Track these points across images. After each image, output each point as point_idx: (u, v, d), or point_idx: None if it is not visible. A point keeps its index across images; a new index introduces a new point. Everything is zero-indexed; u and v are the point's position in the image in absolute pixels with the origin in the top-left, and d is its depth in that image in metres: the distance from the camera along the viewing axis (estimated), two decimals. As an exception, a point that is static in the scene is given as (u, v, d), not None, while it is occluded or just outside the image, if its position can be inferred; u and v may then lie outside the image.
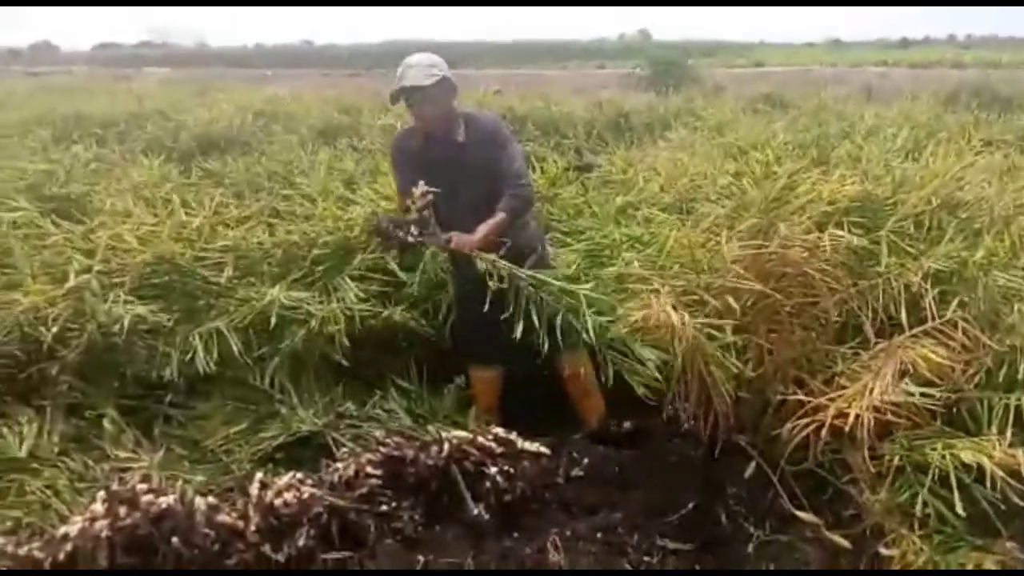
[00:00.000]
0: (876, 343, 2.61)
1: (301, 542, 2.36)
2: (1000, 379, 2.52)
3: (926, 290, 2.66)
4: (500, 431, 2.72)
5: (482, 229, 2.95)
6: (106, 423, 2.74)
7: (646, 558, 2.46)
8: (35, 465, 2.59)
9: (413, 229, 2.93)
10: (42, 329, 2.80)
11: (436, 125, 3.06)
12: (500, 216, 2.98)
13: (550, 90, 11.87)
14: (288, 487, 2.42)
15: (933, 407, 2.45)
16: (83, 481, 2.56)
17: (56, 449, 2.65)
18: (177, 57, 39.98)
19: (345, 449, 2.68)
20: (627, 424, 3.14)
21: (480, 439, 2.64)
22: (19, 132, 7.15)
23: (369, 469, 2.55)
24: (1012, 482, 2.23)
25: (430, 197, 2.89)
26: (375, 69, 31.31)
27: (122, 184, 4.44)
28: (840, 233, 2.70)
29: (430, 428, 2.76)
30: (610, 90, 13.50)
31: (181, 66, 33.39)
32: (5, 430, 2.68)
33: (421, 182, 2.91)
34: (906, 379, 2.44)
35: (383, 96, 12.16)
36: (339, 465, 2.57)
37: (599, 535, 2.55)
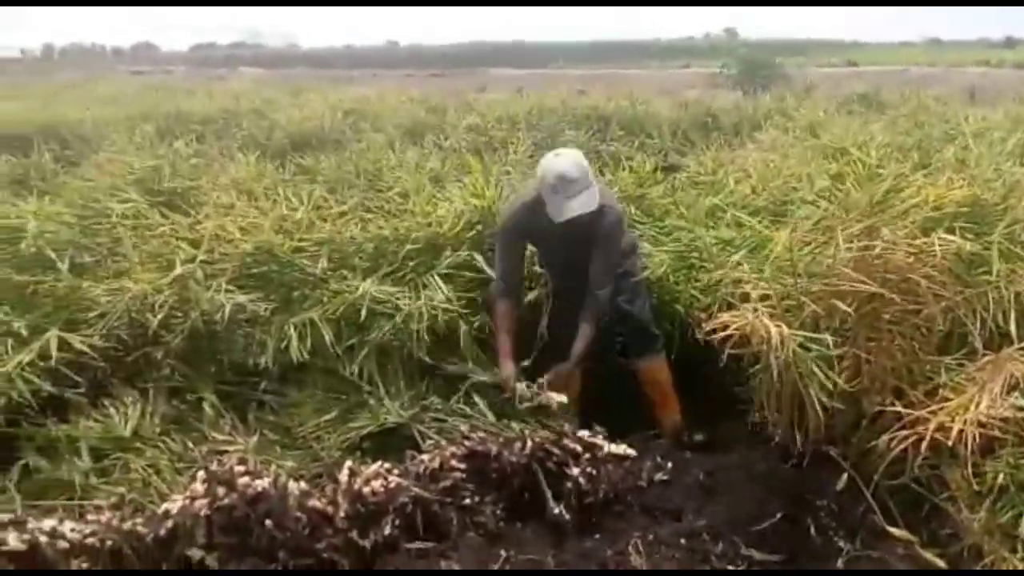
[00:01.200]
0: (983, 354, 2.49)
1: (387, 530, 2.40)
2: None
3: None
4: (586, 433, 2.71)
5: (577, 349, 3.04)
6: (205, 407, 2.87)
7: (730, 567, 2.41)
8: (138, 444, 2.73)
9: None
10: (148, 315, 2.95)
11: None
12: (586, 330, 3.05)
13: (635, 89, 11.74)
14: (376, 475, 2.47)
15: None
16: (182, 461, 2.69)
17: (158, 430, 2.79)
18: (269, 57, 41.50)
19: (431, 441, 2.72)
20: (710, 431, 3.09)
21: (566, 440, 2.63)
22: (126, 128, 7.54)
23: (454, 462, 2.58)
24: None
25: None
26: (459, 68, 31.71)
27: (221, 179, 4.64)
28: (950, 237, 2.58)
29: (513, 425, 2.78)
30: (697, 90, 13.25)
31: (272, 66, 34.58)
32: (112, 410, 2.83)
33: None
34: (1015, 393, 2.32)
35: (464, 95, 12.25)
36: (424, 457, 2.61)
37: (682, 541, 2.50)
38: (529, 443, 2.64)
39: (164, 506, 2.27)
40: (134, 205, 3.88)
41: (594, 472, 2.63)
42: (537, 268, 3.45)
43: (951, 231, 2.72)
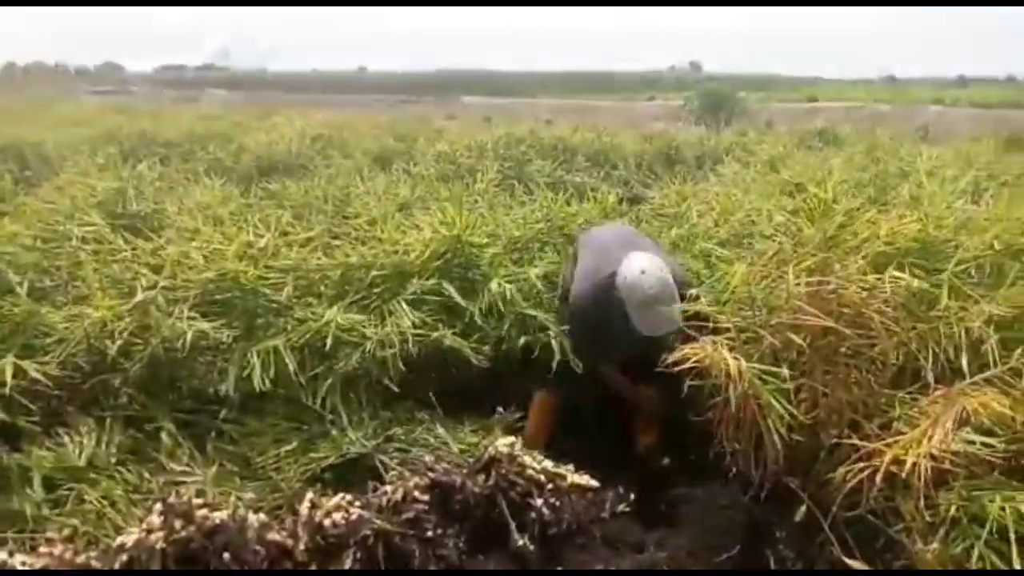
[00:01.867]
0: (935, 388, 2.56)
1: (348, 563, 2.38)
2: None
3: (988, 335, 2.60)
4: (549, 464, 2.72)
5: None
6: (163, 436, 2.82)
7: (692, 599, 2.43)
8: (93, 475, 2.66)
9: None
10: (107, 342, 2.90)
11: None
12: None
13: (600, 121, 11.93)
14: (337, 507, 2.45)
15: (993, 457, 2.39)
16: (138, 492, 2.63)
17: (114, 460, 2.73)
18: (237, 80, 41.26)
19: (394, 472, 2.71)
20: (671, 461, 3.12)
21: (529, 470, 2.64)
22: (89, 149, 7.43)
23: (416, 494, 2.56)
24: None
25: None
26: (428, 95, 31.89)
27: (186, 203, 4.60)
28: (901, 275, 2.66)
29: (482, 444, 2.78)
30: (661, 122, 13.49)
31: (240, 89, 34.43)
32: (67, 439, 2.77)
33: None
34: (966, 427, 2.39)
35: (433, 122, 12.30)
36: (388, 488, 2.59)
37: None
38: (493, 473, 2.64)
39: (119, 539, 2.22)
40: (96, 229, 3.83)
41: (557, 503, 2.64)
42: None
43: (902, 267, 2.80)
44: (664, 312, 2.84)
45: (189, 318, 3.01)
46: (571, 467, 2.78)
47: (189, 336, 2.92)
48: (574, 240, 3.67)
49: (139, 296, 2.99)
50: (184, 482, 2.60)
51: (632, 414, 3.25)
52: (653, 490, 2.92)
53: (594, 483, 2.73)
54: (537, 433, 3.17)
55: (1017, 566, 2.21)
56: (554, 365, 3.09)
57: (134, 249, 3.44)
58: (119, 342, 2.89)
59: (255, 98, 25.69)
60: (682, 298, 2.93)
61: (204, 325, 3.00)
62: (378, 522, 2.46)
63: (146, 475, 2.66)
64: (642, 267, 2.92)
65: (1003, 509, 2.27)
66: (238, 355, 3.01)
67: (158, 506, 2.27)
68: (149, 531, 2.20)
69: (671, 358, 2.57)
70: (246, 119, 11.63)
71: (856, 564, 2.50)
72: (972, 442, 2.35)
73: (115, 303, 3.00)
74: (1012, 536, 2.21)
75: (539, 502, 2.62)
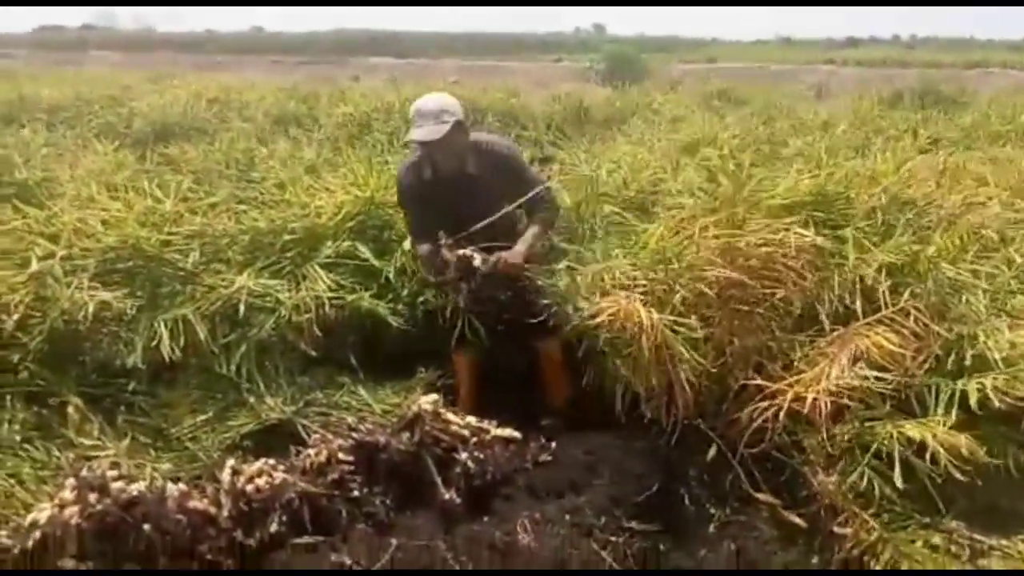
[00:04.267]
0: (832, 331, 2.73)
1: (273, 528, 2.37)
2: (948, 366, 2.66)
3: (880, 282, 2.78)
4: (472, 419, 2.76)
5: (526, 241, 3.05)
6: (70, 410, 2.70)
7: (612, 539, 2.53)
8: (-3, 454, 2.55)
9: (464, 284, 2.95)
10: (3, 316, 2.75)
11: (448, 165, 3.04)
12: (536, 228, 3.10)
13: (508, 82, 11.89)
14: (259, 473, 2.43)
15: (885, 391, 2.58)
16: (47, 470, 2.53)
17: (19, 437, 2.61)
18: (123, 42, 38.77)
19: (316, 436, 2.69)
20: (588, 411, 3.21)
21: (452, 426, 2.67)
22: (-37, 115, 6.91)
23: (341, 455, 2.56)
24: (956, 464, 2.36)
25: (459, 252, 2.93)
26: (329, 56, 30.95)
27: (78, 170, 4.35)
28: (804, 232, 2.80)
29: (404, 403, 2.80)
30: (569, 84, 13.56)
31: (127, 51, 32.49)
32: (-34, 419, 2.63)
33: (443, 236, 2.95)
34: (860, 364, 2.56)
35: (336, 84, 11.94)
36: (310, 451, 2.58)
37: (567, 517, 2.61)
38: (417, 431, 2.67)
39: (31, 516, 2.15)
40: (-20, 199, 3.59)
41: (481, 456, 2.69)
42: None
43: (804, 220, 2.95)
44: (426, 125, 2.92)
45: (90, 288, 2.87)
46: (494, 421, 2.84)
47: (91, 307, 2.80)
48: None
49: (34, 267, 2.83)
50: (96, 456, 2.51)
51: (543, 369, 3.31)
52: (572, 439, 3.00)
53: (516, 434, 2.79)
54: (467, 396, 3.21)
55: (900, 486, 2.42)
56: (459, 324, 3.10)
57: (25, 218, 3.24)
58: (15, 316, 2.74)
59: (144, 60, 24.32)
60: (511, 162, 3.11)
61: (106, 295, 2.87)
62: (302, 484, 2.45)
63: (54, 451, 2.56)
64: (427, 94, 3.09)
65: (891, 435, 2.46)
66: (144, 325, 2.90)
67: (70, 481, 2.20)
68: (62, 506, 2.14)
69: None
70: (136, 82, 11.01)
71: (763, 497, 2.67)
72: (866, 378, 2.53)
73: (8, 275, 2.83)
74: (897, 460, 2.41)
75: (464, 456, 2.66)
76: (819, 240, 2.83)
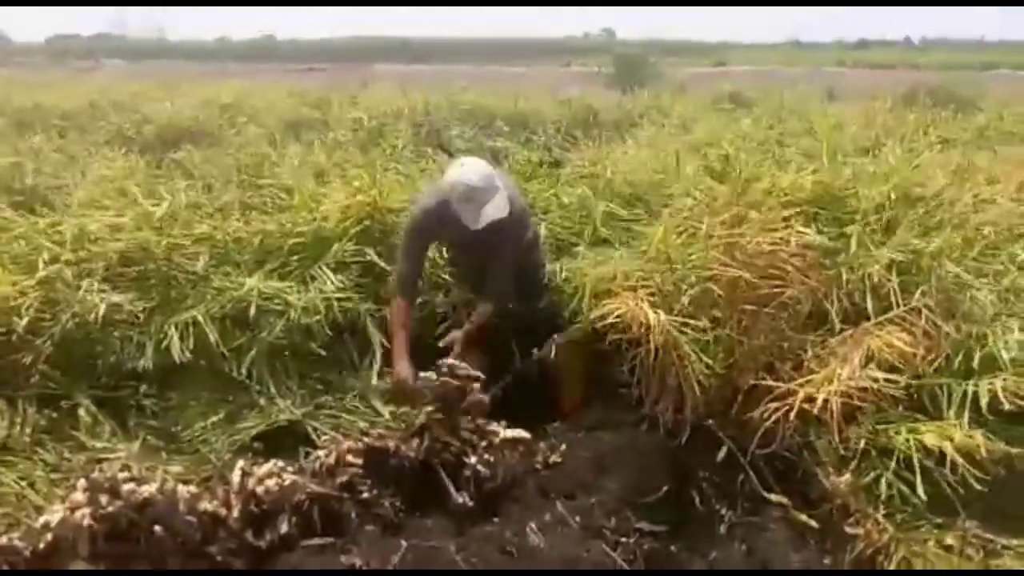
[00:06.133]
0: (842, 330, 2.71)
1: (283, 529, 2.37)
2: (957, 366, 2.63)
3: (888, 279, 2.76)
4: (480, 421, 2.76)
5: (475, 319, 3.15)
6: (81, 413, 2.72)
7: (622, 540, 2.52)
8: (9, 457, 2.56)
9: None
10: (14, 319, 2.77)
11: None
12: (483, 308, 3.17)
13: (519, 87, 11.90)
14: (270, 474, 2.43)
15: (896, 392, 2.56)
16: (58, 472, 2.55)
17: (30, 440, 2.63)
18: (136, 50, 39.19)
19: (326, 438, 2.70)
20: (599, 413, 3.20)
21: (462, 432, 2.67)
22: (-24, 124, 6.99)
23: (350, 457, 2.57)
24: (970, 468, 2.34)
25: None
26: (340, 63, 31.09)
27: (88, 176, 4.39)
28: (805, 230, 2.79)
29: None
30: (578, 88, 13.57)
31: (140, 59, 32.76)
32: (-23, 422, 2.64)
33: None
34: (871, 365, 2.54)
35: (347, 90, 11.97)
36: (320, 453, 2.58)
37: (576, 519, 2.60)
38: (427, 439, 2.67)
39: (42, 518, 2.15)
40: (-7, 205, 3.62)
41: (491, 459, 2.69)
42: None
43: (807, 217, 2.94)
44: (489, 202, 2.93)
45: (100, 291, 2.89)
46: (503, 422, 2.83)
47: (102, 310, 2.82)
48: None
49: (43, 270, 2.85)
50: (107, 458, 2.53)
51: (555, 381, 3.30)
52: (582, 441, 3.00)
53: (525, 435, 2.79)
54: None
55: (922, 494, 2.40)
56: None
57: (35, 224, 3.26)
58: (26, 319, 2.76)
59: (156, 68, 24.52)
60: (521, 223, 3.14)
61: (117, 298, 2.89)
62: (312, 486, 2.46)
63: (66, 454, 2.58)
64: (463, 162, 3.05)
65: (907, 441, 2.44)
66: (155, 328, 2.92)
67: (81, 483, 2.21)
68: (74, 508, 2.14)
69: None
70: (147, 89, 11.10)
71: (774, 497, 2.65)
72: (877, 379, 2.51)
73: (20, 278, 2.85)
74: (917, 466, 2.39)
75: (473, 459, 2.66)
76: (818, 239, 2.81)
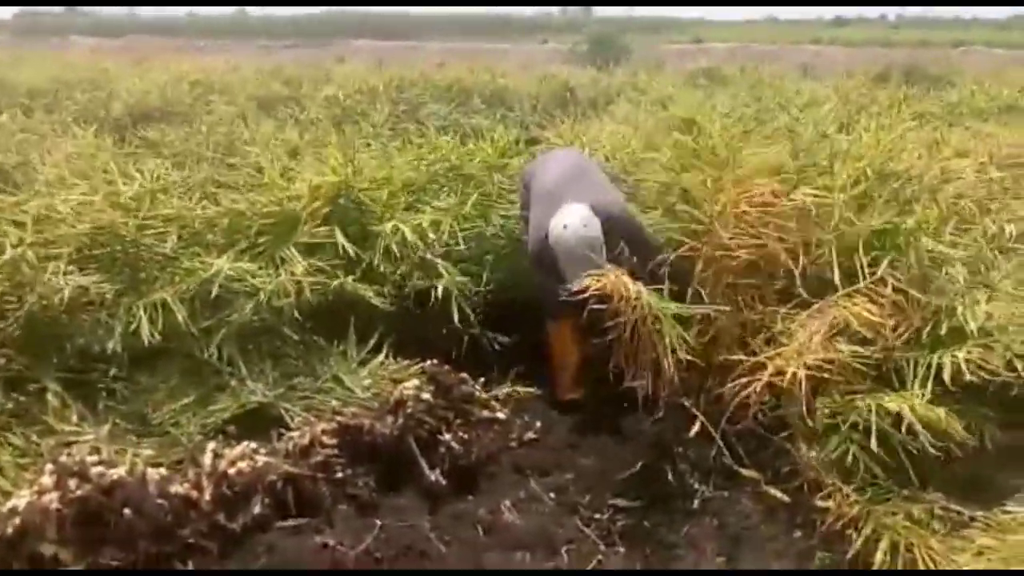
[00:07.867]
0: (812, 304, 2.73)
1: (256, 510, 2.36)
2: (925, 338, 2.66)
3: (863, 254, 2.78)
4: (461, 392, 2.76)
5: None
6: (49, 397, 2.67)
7: (597, 516, 2.54)
8: (-26, 441, 2.52)
9: None
10: (-23, 302, 2.71)
11: None
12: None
13: (494, 63, 11.81)
14: (242, 456, 2.42)
15: (865, 365, 2.59)
16: (26, 456, 2.50)
17: (-4, 424, 2.58)
18: (105, 26, 38.27)
19: (299, 419, 2.68)
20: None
21: (437, 409, 2.67)
22: (-62, 102, 6.80)
23: (324, 438, 2.55)
24: (934, 440, 2.37)
25: None
26: (315, 38, 30.66)
27: (55, 154, 4.28)
28: (795, 197, 2.80)
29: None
30: (555, 65, 13.49)
31: (110, 35, 32.06)
32: (-58, 406, 2.59)
33: None
34: (840, 337, 2.56)
35: (321, 66, 11.77)
36: (293, 434, 2.57)
37: (551, 495, 2.62)
38: (401, 416, 2.66)
39: (9, 503, 2.12)
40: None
41: (466, 436, 2.69)
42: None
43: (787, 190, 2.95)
44: (587, 264, 2.86)
45: (66, 273, 2.83)
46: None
47: (67, 292, 2.76)
48: (523, 175, 3.64)
49: (8, 253, 2.79)
50: (76, 442, 2.48)
51: (561, 369, 3.29)
52: (557, 418, 3.01)
53: (501, 415, 2.79)
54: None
55: (884, 464, 2.43)
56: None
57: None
58: (-9, 301, 2.70)
59: (126, 45, 24.03)
60: (626, 234, 3.05)
61: (83, 280, 2.83)
62: (285, 467, 2.44)
63: (33, 438, 2.53)
64: (564, 222, 2.98)
65: (871, 410, 2.47)
66: (123, 310, 2.86)
67: (49, 467, 2.18)
68: (41, 493, 2.12)
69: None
70: (116, 66, 10.85)
71: (746, 472, 2.68)
72: (843, 352, 2.54)
73: (-18, 261, 2.79)
74: (874, 433, 2.41)
75: (448, 436, 2.66)
76: (800, 196, 2.83)
